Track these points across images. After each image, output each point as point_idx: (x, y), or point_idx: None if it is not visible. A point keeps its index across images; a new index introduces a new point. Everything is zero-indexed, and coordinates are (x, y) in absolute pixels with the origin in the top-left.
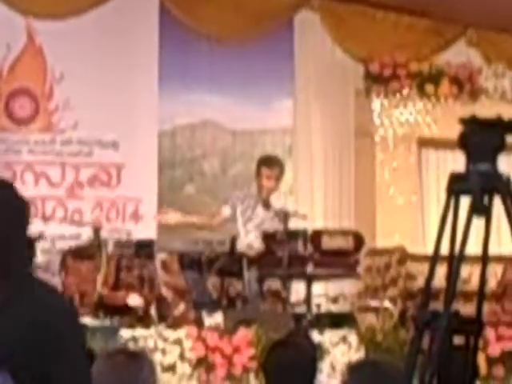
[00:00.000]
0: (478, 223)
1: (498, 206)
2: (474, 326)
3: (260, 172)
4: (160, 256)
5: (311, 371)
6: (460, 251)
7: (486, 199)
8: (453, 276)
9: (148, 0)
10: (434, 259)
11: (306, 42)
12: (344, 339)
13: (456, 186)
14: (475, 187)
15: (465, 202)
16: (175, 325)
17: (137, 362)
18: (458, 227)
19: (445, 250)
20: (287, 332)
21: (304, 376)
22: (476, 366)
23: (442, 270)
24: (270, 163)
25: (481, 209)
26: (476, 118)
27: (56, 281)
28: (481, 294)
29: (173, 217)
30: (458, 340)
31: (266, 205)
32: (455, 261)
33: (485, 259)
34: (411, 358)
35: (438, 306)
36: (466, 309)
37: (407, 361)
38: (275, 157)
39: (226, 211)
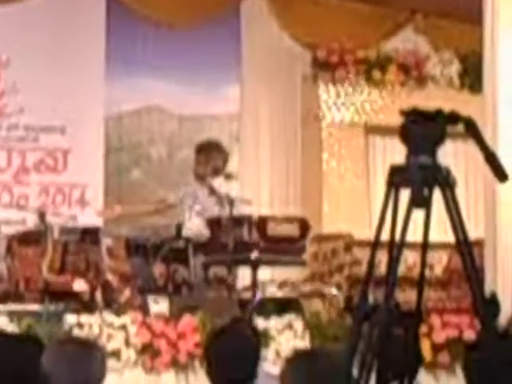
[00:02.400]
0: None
1: None
2: (413, 318)
3: (195, 159)
4: (106, 242)
5: (253, 358)
6: (399, 245)
7: (425, 191)
8: (392, 272)
9: None
10: (373, 252)
11: (253, 28)
12: (289, 326)
13: (396, 177)
14: (415, 180)
15: (405, 193)
16: (120, 311)
17: (87, 351)
18: (397, 219)
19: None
20: (230, 319)
21: (246, 363)
22: (419, 355)
23: (386, 258)
24: (202, 149)
25: (420, 201)
26: (416, 110)
27: (1, 266)
28: (420, 288)
29: (117, 210)
30: (398, 330)
31: (211, 190)
32: (394, 253)
33: (424, 250)
34: (350, 349)
35: (381, 294)
36: (411, 295)
37: (346, 351)
38: (210, 141)
39: (172, 198)
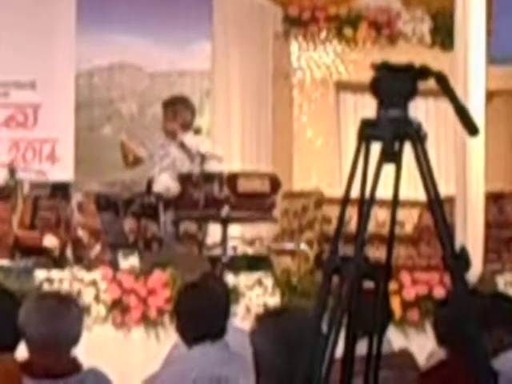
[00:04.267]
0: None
1: None
2: (382, 272)
3: (163, 114)
4: (76, 197)
5: (223, 314)
6: (370, 197)
7: (396, 145)
8: (362, 223)
9: None
10: (344, 205)
11: None
12: (259, 282)
13: (367, 131)
14: (386, 133)
15: (376, 147)
16: (90, 266)
17: (66, 306)
18: (368, 173)
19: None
20: (200, 275)
21: (216, 319)
22: (389, 310)
23: (356, 215)
24: (170, 104)
25: (391, 155)
26: (388, 64)
27: None
28: (390, 241)
29: None
30: (368, 284)
31: (182, 146)
32: (364, 207)
33: (394, 205)
34: (320, 303)
35: (351, 250)
36: (381, 251)
37: (316, 306)
38: (178, 96)
39: (143, 152)
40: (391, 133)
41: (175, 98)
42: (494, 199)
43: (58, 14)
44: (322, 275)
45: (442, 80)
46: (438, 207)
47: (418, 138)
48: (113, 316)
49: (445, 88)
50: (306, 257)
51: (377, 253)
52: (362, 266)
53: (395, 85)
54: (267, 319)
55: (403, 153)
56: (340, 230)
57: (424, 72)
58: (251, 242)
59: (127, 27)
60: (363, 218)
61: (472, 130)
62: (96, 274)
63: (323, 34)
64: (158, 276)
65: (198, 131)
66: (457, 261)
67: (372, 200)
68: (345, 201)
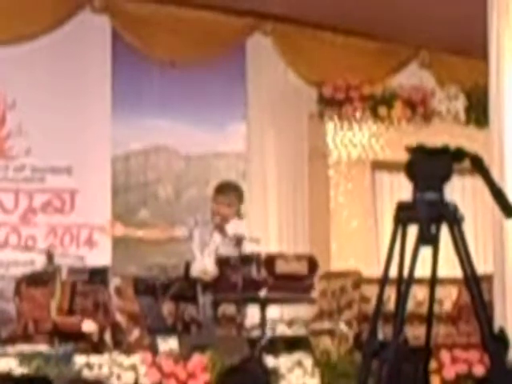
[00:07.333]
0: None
1: None
2: (422, 354)
3: (216, 199)
4: (114, 282)
5: None
6: (407, 281)
7: (433, 227)
8: (400, 307)
9: (100, 25)
10: (382, 289)
11: (259, 66)
12: (299, 363)
13: (403, 215)
14: (422, 216)
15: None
16: (130, 350)
17: None
18: (405, 256)
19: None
20: (241, 357)
21: None
22: None
23: (395, 294)
24: (225, 190)
25: (428, 238)
26: (423, 147)
27: (10, 307)
28: (429, 323)
29: (122, 230)
30: (407, 366)
31: (221, 230)
32: (402, 292)
33: (432, 287)
34: None
35: (391, 330)
36: (421, 330)
37: None
38: (232, 183)
39: (179, 231)
40: (427, 216)
41: (229, 184)
42: None
43: (93, 99)
44: (361, 356)
45: (478, 163)
46: (475, 286)
47: (454, 220)
48: None
49: (480, 170)
50: (345, 337)
51: (416, 331)
52: (400, 350)
53: (430, 168)
54: None
55: (440, 233)
56: (378, 313)
57: (459, 154)
58: (290, 323)
59: (162, 111)
60: (401, 301)
61: (508, 212)
62: (135, 359)
63: (358, 114)
64: (198, 359)
65: (239, 215)
66: (495, 341)
67: (410, 282)
68: (383, 283)
